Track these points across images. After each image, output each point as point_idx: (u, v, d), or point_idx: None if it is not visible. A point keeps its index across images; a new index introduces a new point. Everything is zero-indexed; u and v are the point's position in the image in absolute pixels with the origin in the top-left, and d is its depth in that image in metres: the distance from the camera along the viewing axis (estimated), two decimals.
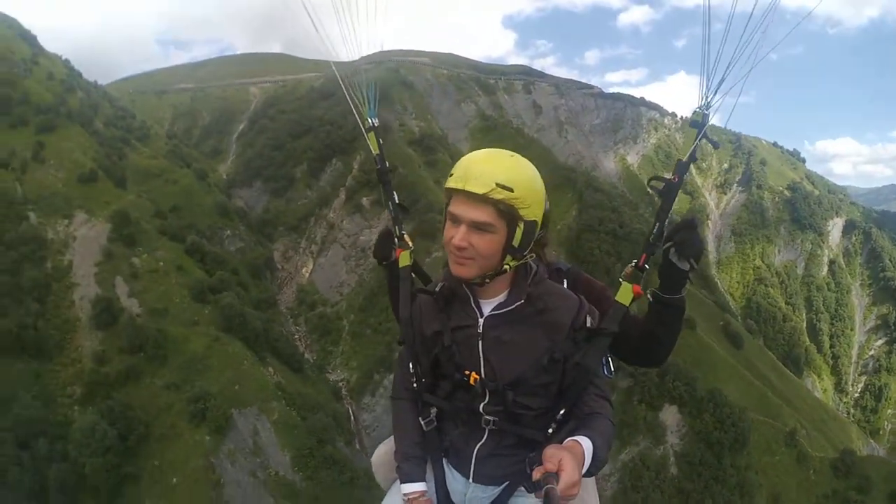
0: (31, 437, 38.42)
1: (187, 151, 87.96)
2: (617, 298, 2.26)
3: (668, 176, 2.20)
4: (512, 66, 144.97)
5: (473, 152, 2.08)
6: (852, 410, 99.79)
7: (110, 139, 74.15)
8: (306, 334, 63.36)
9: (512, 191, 1.95)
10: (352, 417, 52.91)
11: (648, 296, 2.25)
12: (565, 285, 2.46)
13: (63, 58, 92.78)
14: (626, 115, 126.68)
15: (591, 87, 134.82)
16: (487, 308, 2.22)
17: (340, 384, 59.65)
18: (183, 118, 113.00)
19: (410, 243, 2.78)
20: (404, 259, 2.69)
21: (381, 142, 2.87)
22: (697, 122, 2.12)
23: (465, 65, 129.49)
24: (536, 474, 1.63)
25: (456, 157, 78.38)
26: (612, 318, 2.22)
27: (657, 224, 2.20)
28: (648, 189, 2.12)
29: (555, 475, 1.59)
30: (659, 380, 54.19)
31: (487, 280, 2.13)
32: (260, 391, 44.04)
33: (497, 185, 1.94)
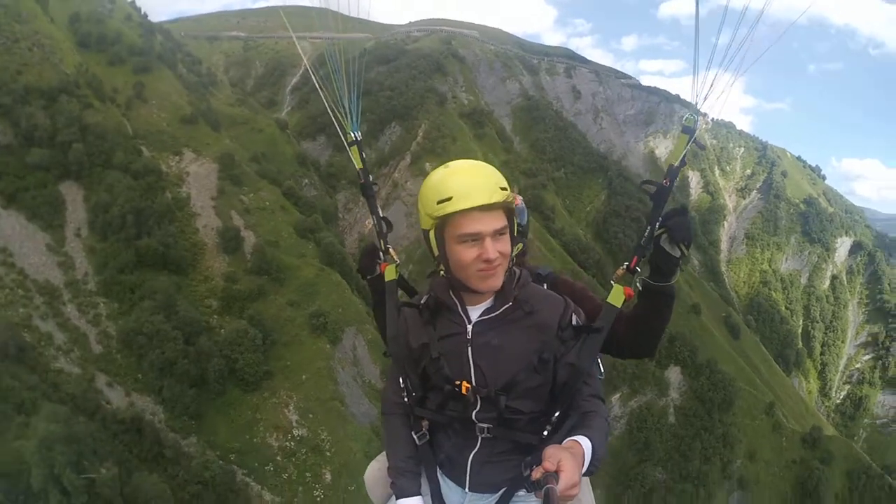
0: (194, 335, 50.76)
1: (251, 102, 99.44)
2: (608, 300, 2.47)
3: (661, 180, 2.43)
4: (555, 47, 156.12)
5: (449, 172, 2.24)
6: (832, 414, 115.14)
7: (194, 84, 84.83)
8: None
9: (507, 189, 2.20)
10: None
11: (638, 284, 2.48)
12: (545, 288, 2.68)
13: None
14: (660, 109, 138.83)
15: (629, 76, 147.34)
16: (475, 314, 2.39)
17: None
18: (236, 67, 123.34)
19: (396, 257, 3.00)
20: (390, 273, 2.88)
21: (363, 156, 3.15)
22: (689, 128, 2.38)
23: (511, 41, 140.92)
24: (536, 473, 1.72)
25: (501, 133, 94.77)
26: (603, 318, 2.42)
27: (648, 227, 2.42)
28: (642, 191, 2.39)
29: (555, 475, 1.69)
30: (668, 344, 70.18)
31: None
32: (356, 315, 58.46)
33: (500, 188, 2.18)
